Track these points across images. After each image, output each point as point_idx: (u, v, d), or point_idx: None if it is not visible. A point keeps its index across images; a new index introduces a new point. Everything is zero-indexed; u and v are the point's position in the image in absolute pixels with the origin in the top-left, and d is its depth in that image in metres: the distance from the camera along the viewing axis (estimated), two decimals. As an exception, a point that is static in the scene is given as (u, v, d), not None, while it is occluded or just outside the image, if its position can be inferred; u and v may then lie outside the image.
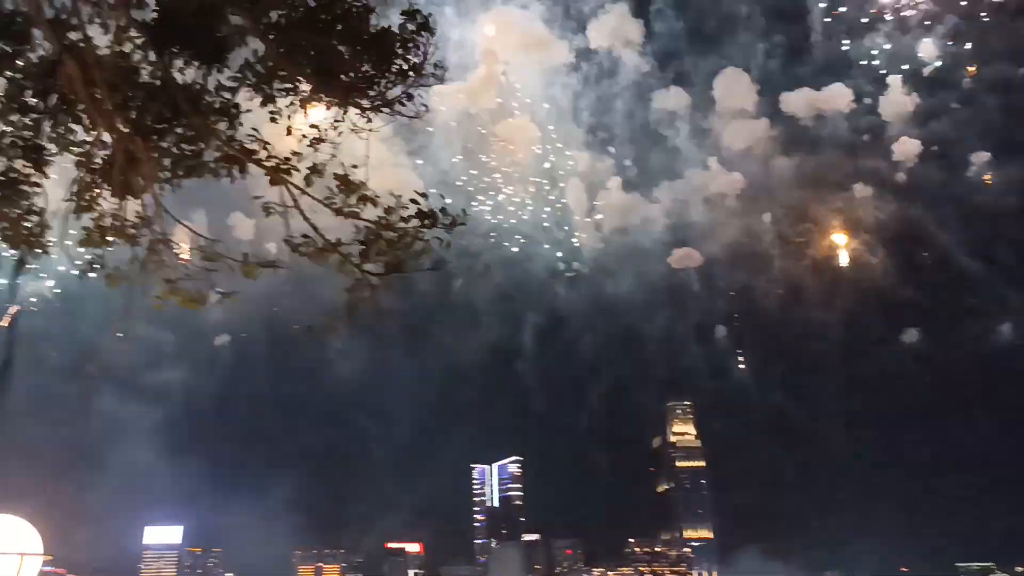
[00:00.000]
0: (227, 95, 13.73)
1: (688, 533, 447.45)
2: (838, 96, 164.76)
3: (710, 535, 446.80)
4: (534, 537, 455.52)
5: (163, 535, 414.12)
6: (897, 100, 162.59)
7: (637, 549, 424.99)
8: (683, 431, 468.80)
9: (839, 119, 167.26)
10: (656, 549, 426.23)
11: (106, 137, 13.54)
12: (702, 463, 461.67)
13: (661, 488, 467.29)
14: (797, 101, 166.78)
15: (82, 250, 14.49)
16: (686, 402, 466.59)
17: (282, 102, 13.93)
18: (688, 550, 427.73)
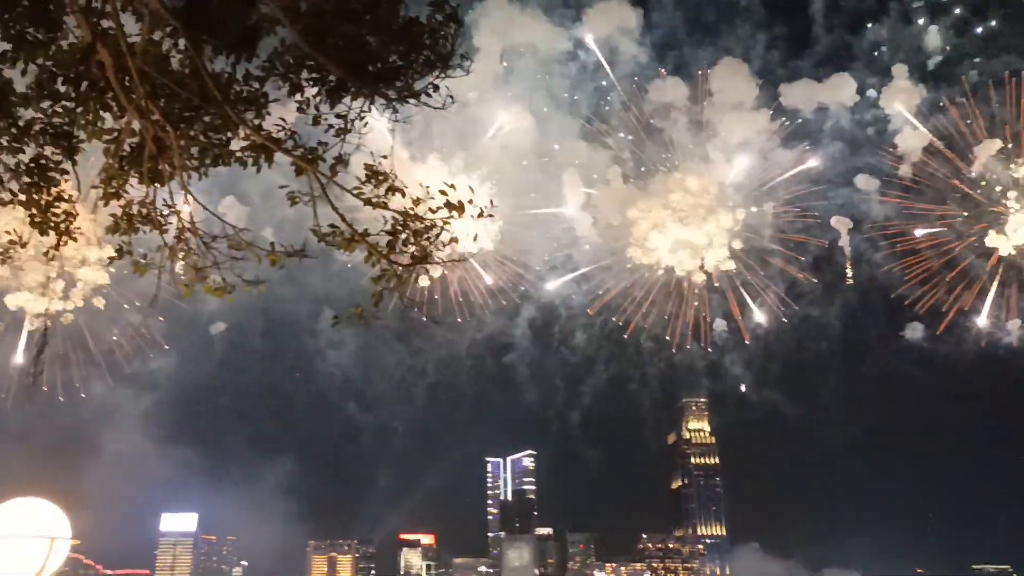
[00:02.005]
0: (256, 84, 13.76)
1: (702, 530, 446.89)
2: (841, 88, 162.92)
3: (723, 532, 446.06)
4: (547, 531, 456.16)
5: (179, 522, 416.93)
6: (902, 92, 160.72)
7: (650, 545, 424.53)
8: (698, 427, 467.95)
9: (842, 112, 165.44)
10: (669, 545, 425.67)
11: (135, 125, 13.60)
12: (716, 460, 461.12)
13: (675, 484, 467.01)
14: (798, 93, 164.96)
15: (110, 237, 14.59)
16: (701, 399, 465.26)
17: (309, 92, 13.94)
18: (701, 547, 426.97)
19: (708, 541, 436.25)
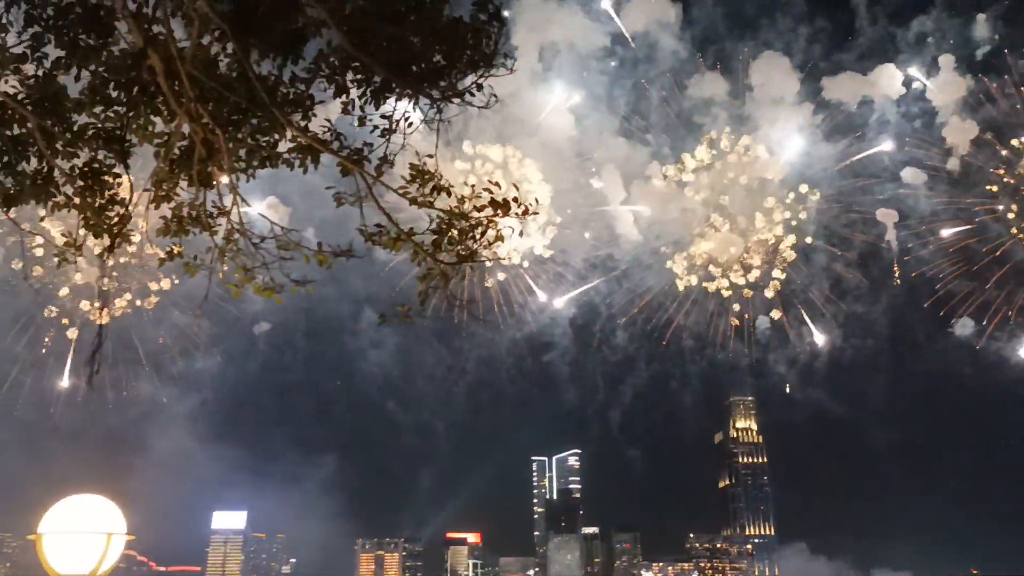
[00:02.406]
0: (302, 86, 13.89)
1: (750, 530, 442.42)
2: (886, 80, 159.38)
3: (771, 532, 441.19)
4: (593, 530, 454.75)
5: (229, 520, 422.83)
6: (949, 83, 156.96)
7: (697, 545, 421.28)
8: (745, 427, 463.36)
9: (887, 104, 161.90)
10: (717, 545, 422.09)
11: (185, 128, 13.81)
12: (764, 459, 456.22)
13: (722, 484, 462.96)
14: (841, 86, 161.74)
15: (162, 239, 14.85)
16: (748, 397, 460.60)
17: (354, 93, 14.04)
18: (749, 547, 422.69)
19: (756, 541, 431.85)
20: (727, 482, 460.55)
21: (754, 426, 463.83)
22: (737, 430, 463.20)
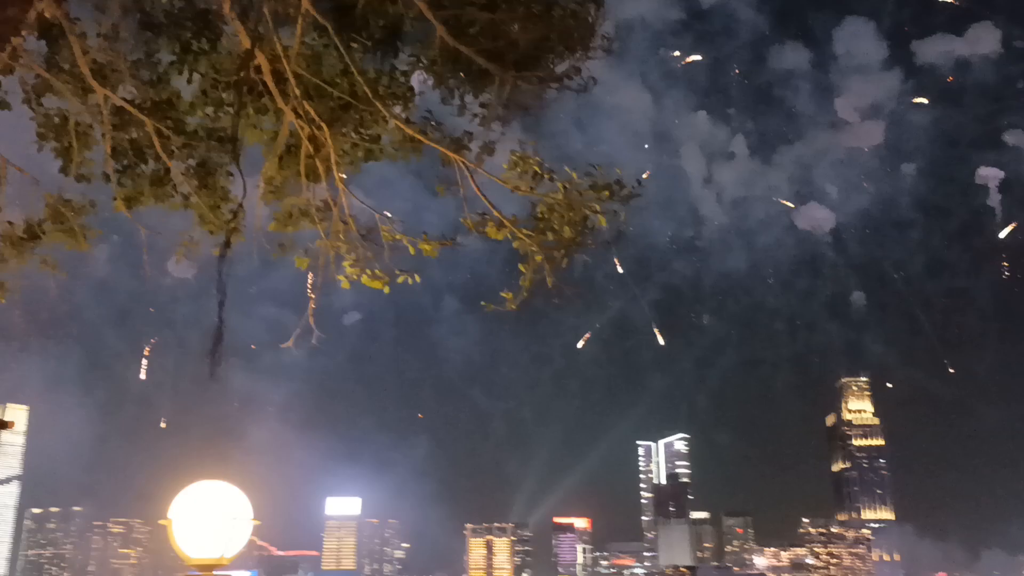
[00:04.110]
0: (402, 79, 14.06)
1: (866, 514, 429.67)
2: (983, 40, 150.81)
3: (891, 516, 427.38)
4: (703, 515, 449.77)
5: (343, 506, 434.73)
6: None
7: (812, 530, 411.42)
8: (860, 408, 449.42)
9: (985, 65, 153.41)
10: (832, 530, 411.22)
11: (291, 125, 14.17)
12: (881, 441, 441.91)
13: (836, 467, 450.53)
14: (933, 49, 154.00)
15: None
16: (863, 378, 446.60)
17: (453, 82, 14.12)
18: (867, 532, 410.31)
19: (874, 526, 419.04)
20: (841, 465, 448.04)
21: (869, 407, 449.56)
22: (851, 411, 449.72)
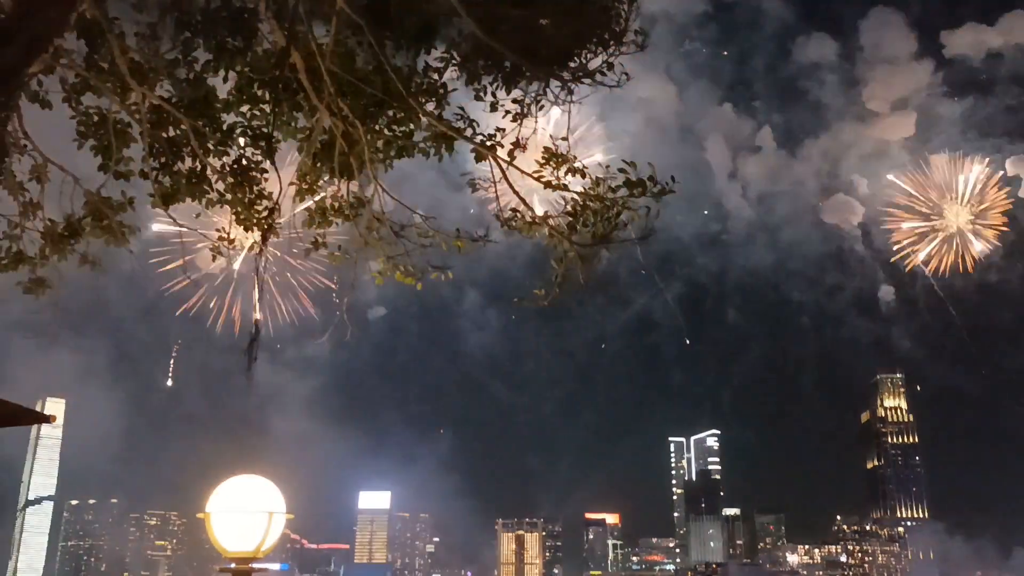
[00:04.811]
0: (435, 75, 14.11)
1: (900, 512, 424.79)
2: (1017, 29, 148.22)
3: (925, 514, 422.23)
4: (734, 511, 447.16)
5: (374, 500, 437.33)
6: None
7: (845, 527, 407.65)
8: (894, 405, 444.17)
9: (1018, 55, 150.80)
10: (866, 527, 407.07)
11: (326, 123, 14.27)
12: (915, 439, 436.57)
13: (870, 464, 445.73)
14: (964, 39, 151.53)
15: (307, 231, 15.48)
16: (897, 375, 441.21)
17: (486, 79, 14.14)
18: (901, 530, 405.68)
19: (908, 524, 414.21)
20: (875, 463, 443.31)
21: (903, 404, 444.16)
22: (885, 409, 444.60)
